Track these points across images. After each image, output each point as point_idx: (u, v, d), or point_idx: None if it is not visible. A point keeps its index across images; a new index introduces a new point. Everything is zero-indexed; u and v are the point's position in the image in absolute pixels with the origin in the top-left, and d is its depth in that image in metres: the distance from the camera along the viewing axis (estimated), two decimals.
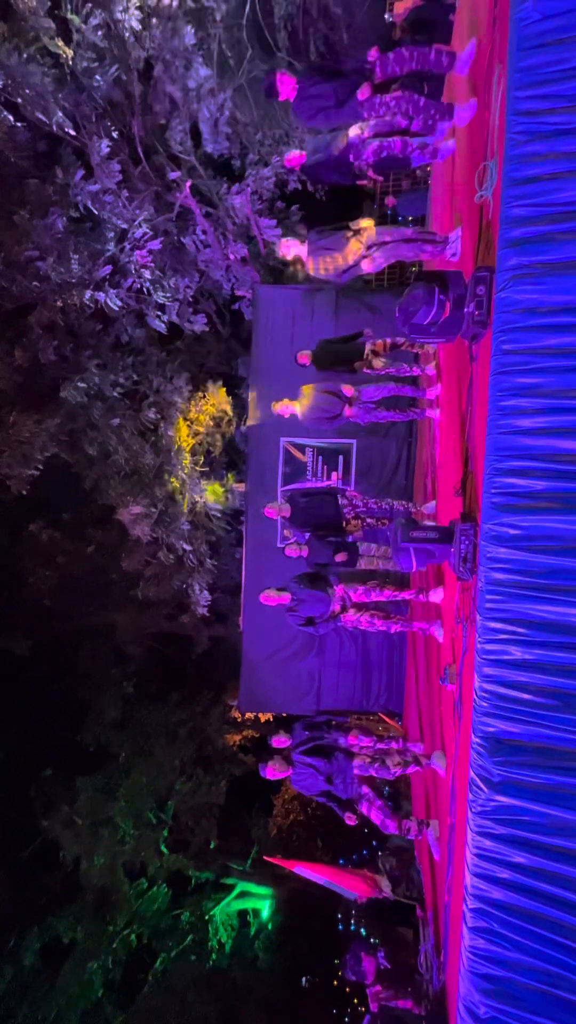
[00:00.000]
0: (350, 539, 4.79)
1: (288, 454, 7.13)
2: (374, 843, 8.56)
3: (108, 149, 6.26)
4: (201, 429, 7.93)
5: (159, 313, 7.31)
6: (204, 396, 8.15)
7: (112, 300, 6.79)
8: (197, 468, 7.97)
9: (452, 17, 3.99)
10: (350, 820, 3.89)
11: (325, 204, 8.38)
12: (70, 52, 5.80)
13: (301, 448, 7.11)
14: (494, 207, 2.46)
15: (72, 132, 6.26)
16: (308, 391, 4.92)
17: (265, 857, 7.23)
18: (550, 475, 2.18)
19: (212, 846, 11.30)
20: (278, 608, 6.59)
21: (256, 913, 11.73)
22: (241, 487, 7.68)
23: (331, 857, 10.67)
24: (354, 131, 3.68)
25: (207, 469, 8.31)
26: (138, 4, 5.77)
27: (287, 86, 3.70)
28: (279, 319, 6.94)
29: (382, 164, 3.73)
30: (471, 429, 3.02)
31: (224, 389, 8.17)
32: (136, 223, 6.63)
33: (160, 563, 8.38)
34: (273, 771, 3.96)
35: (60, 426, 7.42)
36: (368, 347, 4.83)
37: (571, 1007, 2.13)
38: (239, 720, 12.01)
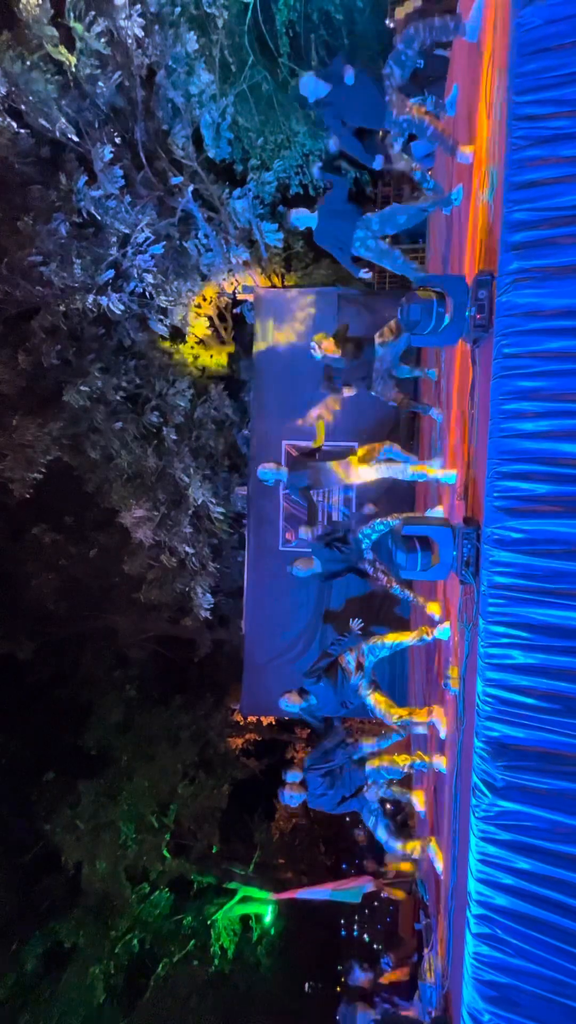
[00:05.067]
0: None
1: (290, 457, 7.14)
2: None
3: (111, 155, 6.30)
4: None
5: (161, 317, 7.34)
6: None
7: (115, 304, 6.82)
8: (200, 470, 7.99)
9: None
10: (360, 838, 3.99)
11: None
12: (73, 59, 5.84)
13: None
14: (495, 211, 2.47)
15: (75, 138, 6.31)
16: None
17: (274, 896, 7.21)
18: (552, 479, 2.17)
19: (214, 850, 11.26)
20: (280, 611, 6.55)
21: (259, 918, 11.67)
22: (243, 490, 7.70)
23: (334, 861, 10.63)
24: None
25: (210, 472, 8.32)
26: (141, 11, 5.82)
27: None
28: (281, 323, 6.97)
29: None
30: (473, 433, 3.02)
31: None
32: (139, 228, 6.67)
33: (162, 566, 8.39)
34: (291, 796, 4.00)
35: (63, 429, 7.44)
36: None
37: (575, 1015, 2.11)
38: (241, 724, 11.99)
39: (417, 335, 2.92)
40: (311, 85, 3.86)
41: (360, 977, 3.96)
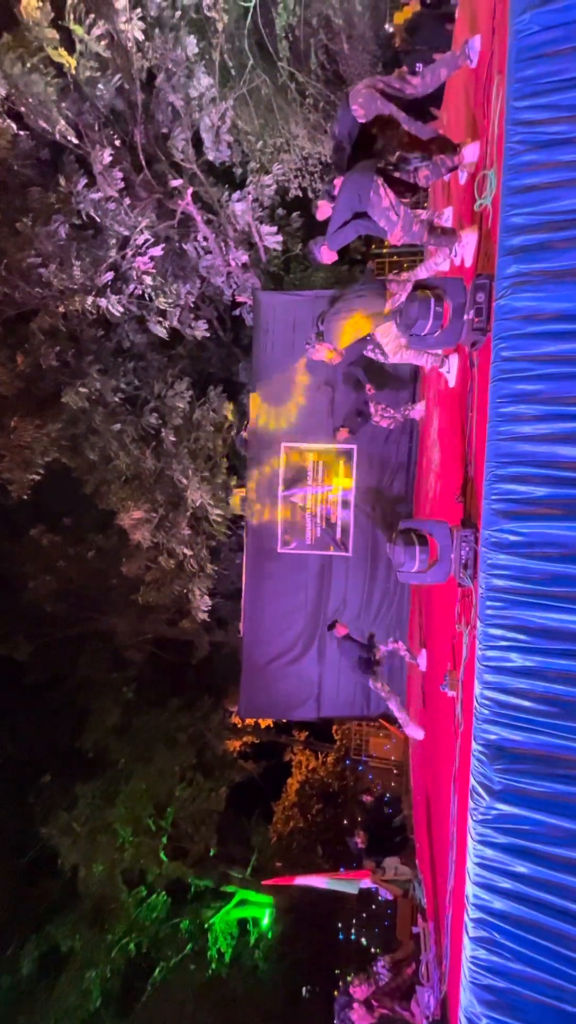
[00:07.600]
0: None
1: (289, 459, 7.14)
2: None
3: (110, 157, 6.31)
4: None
5: (160, 319, 7.35)
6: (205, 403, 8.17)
7: (114, 306, 6.83)
8: (199, 472, 7.98)
9: (450, 26, 4.05)
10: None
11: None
12: (73, 62, 5.85)
13: (302, 453, 7.12)
14: (493, 215, 2.48)
15: (75, 141, 6.31)
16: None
17: (264, 883, 7.22)
18: (550, 481, 2.18)
19: (212, 853, 11.23)
20: (278, 614, 6.62)
21: (256, 922, 11.64)
22: (242, 492, 7.70)
23: (331, 864, 10.60)
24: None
25: (208, 474, 8.32)
26: (141, 14, 5.83)
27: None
28: (280, 325, 6.98)
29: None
30: (471, 435, 3.03)
31: None
32: (138, 230, 6.68)
33: (160, 568, 8.38)
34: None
35: (61, 431, 7.44)
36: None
37: (573, 1019, 2.11)
38: (239, 726, 11.98)
39: (415, 335, 2.93)
40: None
41: (356, 994, 3.95)
